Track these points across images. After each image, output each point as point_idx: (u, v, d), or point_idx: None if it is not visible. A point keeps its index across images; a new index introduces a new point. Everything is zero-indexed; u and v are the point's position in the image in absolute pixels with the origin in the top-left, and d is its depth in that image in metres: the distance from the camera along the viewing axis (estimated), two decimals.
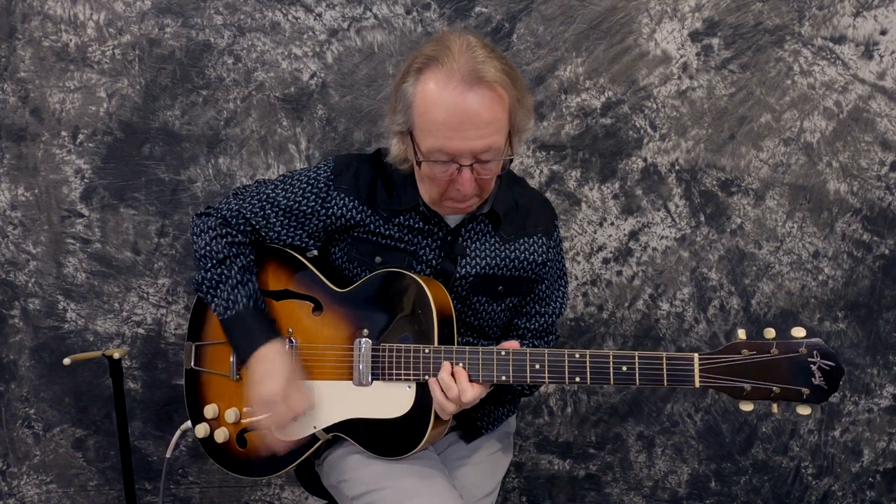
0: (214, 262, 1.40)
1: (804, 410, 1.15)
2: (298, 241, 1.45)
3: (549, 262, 1.51)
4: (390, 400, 1.33)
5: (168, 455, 1.63)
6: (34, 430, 2.16)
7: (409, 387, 1.33)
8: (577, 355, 1.24)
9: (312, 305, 1.42)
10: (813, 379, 1.14)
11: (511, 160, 1.37)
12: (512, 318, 1.54)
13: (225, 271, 1.40)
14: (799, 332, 1.14)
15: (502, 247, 1.44)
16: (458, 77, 1.21)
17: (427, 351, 1.31)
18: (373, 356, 1.35)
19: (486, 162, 1.26)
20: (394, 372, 1.33)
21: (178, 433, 1.57)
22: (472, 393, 1.26)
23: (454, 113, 1.21)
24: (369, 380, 1.35)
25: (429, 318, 1.32)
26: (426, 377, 1.30)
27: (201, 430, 1.44)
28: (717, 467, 2.24)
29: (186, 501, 2.22)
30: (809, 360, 1.14)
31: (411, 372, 1.32)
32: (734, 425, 2.21)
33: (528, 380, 1.27)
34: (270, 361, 1.34)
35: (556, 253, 1.54)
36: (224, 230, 1.43)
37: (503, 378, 1.27)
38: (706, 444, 2.22)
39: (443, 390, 1.27)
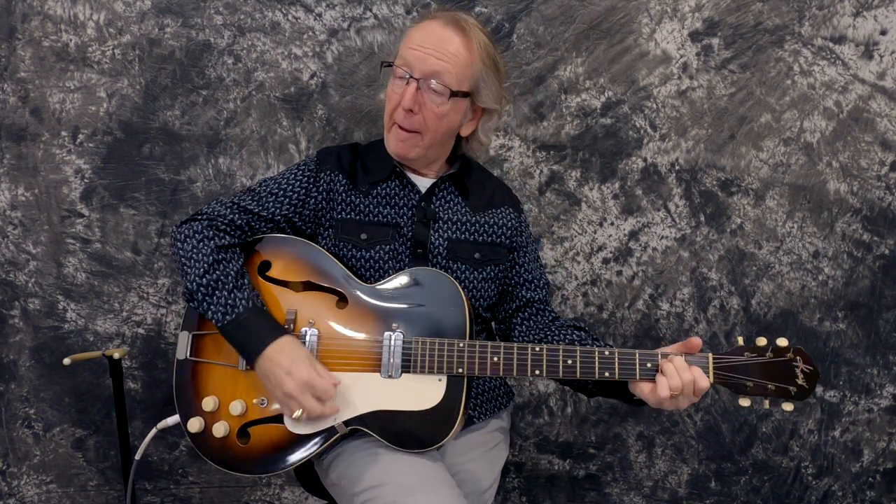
0: (205, 267, 1.38)
1: (788, 406, 1.34)
2: (296, 221, 1.51)
3: (522, 232, 1.61)
4: (420, 392, 1.35)
5: (138, 457, 1.57)
6: (34, 430, 2.16)
7: (440, 379, 1.35)
8: (607, 352, 1.35)
9: (337, 298, 1.43)
10: (797, 380, 1.33)
11: (466, 124, 1.53)
12: (501, 293, 1.60)
13: (221, 277, 1.38)
14: (783, 341, 1.34)
15: (473, 216, 1.55)
16: (444, 18, 1.46)
17: (462, 345, 1.35)
18: (404, 349, 1.37)
19: (433, 89, 1.41)
20: (426, 365, 1.35)
21: (153, 431, 1.51)
22: (706, 381, 1.31)
23: (425, 32, 1.44)
24: (399, 373, 1.36)
25: (461, 314, 1.38)
26: (459, 371, 1.35)
27: (195, 423, 1.39)
28: (717, 467, 2.24)
29: (186, 501, 2.22)
30: (794, 363, 1.34)
31: (444, 365, 1.35)
32: (734, 425, 2.21)
33: (561, 374, 1.34)
34: (290, 352, 1.33)
35: (526, 230, 1.65)
36: (210, 232, 1.43)
37: (537, 372, 1.35)
38: (706, 444, 2.22)
39: (677, 369, 1.30)
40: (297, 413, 1.31)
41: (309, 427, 1.36)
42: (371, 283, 1.45)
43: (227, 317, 1.35)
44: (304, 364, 1.32)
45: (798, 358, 1.34)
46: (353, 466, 1.36)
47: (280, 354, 1.32)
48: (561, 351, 1.34)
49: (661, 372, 1.31)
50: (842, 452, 2.23)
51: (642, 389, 1.34)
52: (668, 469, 2.24)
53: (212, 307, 1.36)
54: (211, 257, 1.39)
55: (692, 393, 1.30)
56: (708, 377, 1.31)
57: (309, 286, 1.44)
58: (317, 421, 1.36)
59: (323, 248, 1.51)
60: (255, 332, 1.35)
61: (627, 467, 2.24)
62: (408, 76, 1.42)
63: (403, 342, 1.37)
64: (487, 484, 1.48)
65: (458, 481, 1.39)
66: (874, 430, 2.22)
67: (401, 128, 1.47)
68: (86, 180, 2.05)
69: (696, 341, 1.33)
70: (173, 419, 1.47)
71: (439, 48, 1.41)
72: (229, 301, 1.36)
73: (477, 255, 1.53)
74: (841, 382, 2.20)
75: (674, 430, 2.22)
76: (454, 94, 1.42)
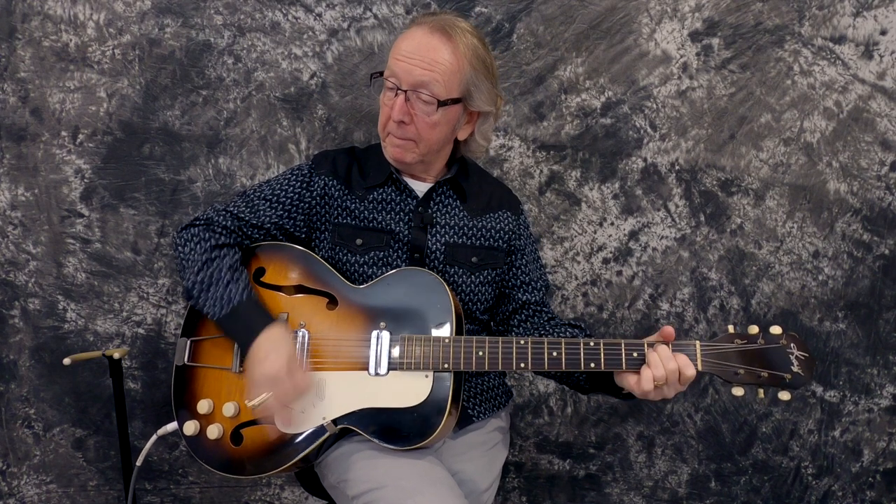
0: (200, 264, 1.43)
1: (785, 396, 1.30)
2: (288, 226, 1.53)
3: (521, 235, 1.61)
4: (407, 389, 1.35)
5: (139, 463, 1.58)
6: (34, 430, 2.16)
7: (427, 375, 1.36)
8: (592, 343, 1.34)
9: (327, 300, 1.45)
10: (792, 367, 1.30)
11: (463, 130, 1.52)
12: (498, 296, 1.61)
13: (214, 273, 1.42)
14: (776, 329, 1.31)
15: (470, 221, 1.55)
16: (431, 24, 1.43)
17: (447, 341, 1.36)
18: (391, 346, 1.38)
19: (421, 99, 1.41)
20: (412, 362, 1.36)
21: (153, 438, 1.53)
22: (693, 369, 1.29)
23: (411, 42, 1.42)
24: (385, 370, 1.37)
25: (446, 311, 1.39)
26: (445, 366, 1.35)
27: (190, 426, 1.42)
28: (717, 467, 2.24)
29: (186, 501, 2.22)
30: (788, 350, 1.30)
31: (430, 361, 1.35)
32: (734, 425, 2.21)
33: (546, 366, 1.34)
34: (273, 341, 1.36)
35: (525, 231, 1.65)
36: (207, 234, 1.48)
37: (522, 365, 1.34)
38: (706, 444, 2.22)
39: (661, 359, 1.29)
40: (256, 401, 1.32)
41: (296, 426, 1.37)
42: (361, 285, 1.47)
43: (224, 310, 1.39)
44: (280, 358, 1.33)
45: (792, 344, 1.30)
46: (353, 469, 1.36)
47: (265, 341, 1.36)
48: (546, 343, 1.34)
49: (647, 363, 1.30)
50: (842, 452, 2.23)
51: (628, 381, 1.34)
52: (668, 469, 2.24)
53: (208, 302, 1.40)
54: (205, 255, 1.44)
55: (678, 381, 1.29)
56: (696, 365, 1.30)
57: (300, 290, 1.47)
58: (303, 421, 1.37)
59: (319, 251, 1.53)
60: (248, 322, 1.38)
61: (627, 467, 2.24)
62: (396, 88, 1.42)
63: (390, 340, 1.38)
64: (487, 484, 1.48)
65: (457, 481, 1.39)
66: (874, 430, 2.22)
67: (395, 137, 1.47)
68: (86, 180, 2.05)
69: (669, 330, 1.31)
70: (172, 425, 1.49)
71: (425, 57, 1.40)
72: (225, 295, 1.40)
73: (474, 259, 1.53)
74: (841, 382, 2.20)
75: (674, 430, 2.22)
76: (443, 103, 1.42)
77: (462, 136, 1.54)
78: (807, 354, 1.30)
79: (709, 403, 2.21)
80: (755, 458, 2.23)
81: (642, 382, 1.29)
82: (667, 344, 1.31)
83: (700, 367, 1.30)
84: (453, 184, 1.57)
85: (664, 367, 1.28)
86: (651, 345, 1.32)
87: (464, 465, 1.47)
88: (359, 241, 1.49)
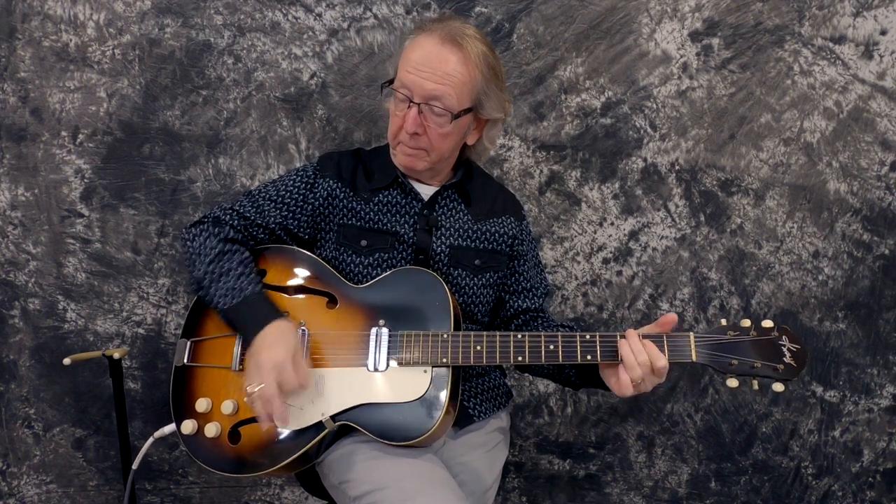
0: (213, 256, 1.44)
1: (778, 387, 1.32)
2: (292, 227, 1.53)
3: (523, 241, 1.62)
4: (405, 384, 1.36)
5: (135, 466, 1.58)
6: (34, 430, 2.16)
7: (426, 371, 1.37)
8: (588, 336, 1.36)
9: (327, 300, 1.46)
10: (784, 358, 1.32)
11: (472, 136, 1.53)
12: (498, 300, 1.62)
13: (226, 263, 1.44)
14: (768, 322, 1.34)
15: (474, 224, 1.56)
16: (440, 33, 1.41)
17: (445, 336, 1.37)
18: (389, 342, 1.39)
19: (434, 112, 1.40)
20: (411, 357, 1.37)
21: (150, 441, 1.52)
22: (664, 360, 1.30)
23: (422, 53, 1.41)
24: (384, 365, 1.37)
25: (445, 309, 1.40)
26: (444, 361, 1.36)
27: (188, 426, 1.42)
28: (717, 467, 2.24)
29: (186, 501, 2.22)
30: (780, 342, 1.33)
31: (429, 356, 1.37)
32: (734, 425, 2.21)
33: (544, 360, 1.36)
34: (281, 333, 1.36)
35: (528, 236, 1.66)
36: (216, 229, 1.50)
37: (519, 359, 1.37)
38: (706, 444, 2.22)
39: (633, 353, 1.31)
40: (254, 387, 1.31)
41: (294, 422, 1.37)
42: (360, 284, 1.48)
43: (235, 299, 1.40)
44: (287, 348, 1.33)
45: (784, 336, 1.33)
46: (354, 470, 1.36)
47: (273, 331, 1.36)
48: (543, 337, 1.36)
49: (623, 363, 1.31)
50: (842, 452, 2.23)
51: (609, 381, 1.38)
52: (668, 469, 2.24)
53: (218, 292, 1.41)
54: (218, 247, 1.46)
55: (652, 374, 1.31)
56: (691, 356, 1.32)
57: (301, 290, 1.49)
58: (301, 417, 1.37)
59: (323, 251, 1.54)
60: (256, 314, 1.39)
61: (627, 467, 2.24)
62: (408, 101, 1.42)
63: (389, 336, 1.39)
64: (488, 484, 1.48)
65: (458, 482, 1.39)
66: (874, 430, 2.22)
67: (407, 146, 1.48)
68: (86, 180, 2.05)
69: (670, 318, 1.33)
70: (169, 428, 1.49)
71: (437, 70, 1.39)
72: (236, 285, 1.41)
73: (477, 262, 1.54)
74: (841, 382, 2.20)
75: (674, 430, 2.22)
76: (456, 115, 1.42)
77: (471, 141, 1.54)
78: (799, 346, 1.32)
79: (709, 403, 2.21)
80: (755, 458, 2.23)
81: (622, 387, 1.32)
82: (662, 336, 1.33)
83: (695, 359, 1.32)
84: (458, 188, 1.58)
85: (638, 364, 1.30)
86: (648, 336, 1.33)
87: (464, 465, 1.47)
88: (363, 243, 1.50)
